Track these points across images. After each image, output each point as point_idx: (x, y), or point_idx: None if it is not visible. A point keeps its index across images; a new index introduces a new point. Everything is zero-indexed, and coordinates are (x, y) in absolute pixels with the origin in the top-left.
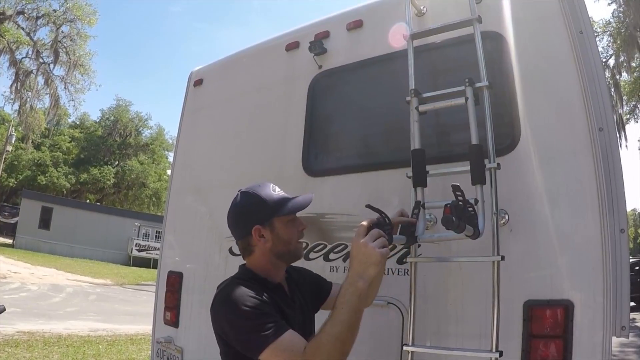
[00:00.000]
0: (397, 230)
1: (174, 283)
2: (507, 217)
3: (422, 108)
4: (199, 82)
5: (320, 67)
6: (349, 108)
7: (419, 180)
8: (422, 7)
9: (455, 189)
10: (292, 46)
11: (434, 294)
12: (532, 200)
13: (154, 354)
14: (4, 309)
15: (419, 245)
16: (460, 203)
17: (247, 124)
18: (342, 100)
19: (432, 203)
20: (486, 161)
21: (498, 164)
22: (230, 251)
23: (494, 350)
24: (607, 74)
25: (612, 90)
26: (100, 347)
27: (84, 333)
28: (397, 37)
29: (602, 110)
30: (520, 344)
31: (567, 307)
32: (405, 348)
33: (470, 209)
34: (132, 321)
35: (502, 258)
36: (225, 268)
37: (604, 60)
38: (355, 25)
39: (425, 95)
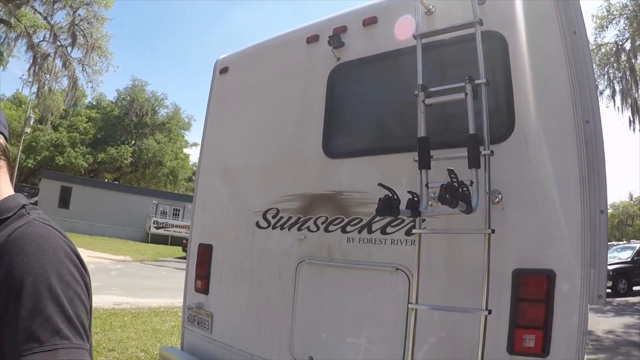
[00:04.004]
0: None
1: (204, 254)
2: (500, 196)
3: (427, 101)
4: (224, 70)
5: (338, 59)
6: (364, 97)
7: (424, 163)
8: (431, 6)
9: (450, 172)
10: (312, 39)
11: (436, 261)
12: (523, 182)
13: (185, 318)
14: None
15: (424, 220)
16: (455, 183)
17: (271, 110)
18: (358, 90)
19: (434, 183)
20: (481, 148)
21: (492, 151)
22: (257, 225)
23: (484, 308)
24: (623, 58)
25: (628, 74)
26: (126, 318)
27: (109, 306)
28: (407, 34)
29: (589, 104)
30: (509, 306)
31: (549, 276)
32: (410, 306)
33: (465, 188)
34: (154, 295)
35: (493, 231)
36: (253, 241)
37: (620, 44)
38: (371, 21)
39: (430, 89)
